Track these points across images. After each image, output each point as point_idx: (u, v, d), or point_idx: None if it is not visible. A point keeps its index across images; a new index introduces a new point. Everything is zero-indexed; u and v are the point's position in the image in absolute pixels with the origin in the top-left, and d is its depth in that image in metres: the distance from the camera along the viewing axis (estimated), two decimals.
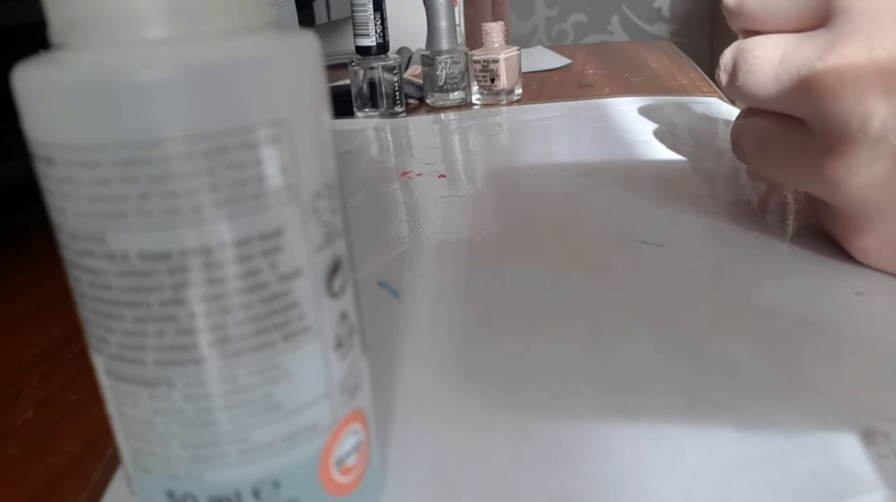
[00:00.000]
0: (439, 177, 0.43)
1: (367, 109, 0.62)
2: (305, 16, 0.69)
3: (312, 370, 0.14)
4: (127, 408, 0.14)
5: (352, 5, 0.59)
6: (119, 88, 0.11)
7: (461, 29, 0.75)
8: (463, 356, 0.23)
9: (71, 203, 0.12)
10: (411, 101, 0.68)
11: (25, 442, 0.21)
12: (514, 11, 1.49)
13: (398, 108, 0.63)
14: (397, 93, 0.62)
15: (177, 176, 0.12)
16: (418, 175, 0.44)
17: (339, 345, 0.15)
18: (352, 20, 0.59)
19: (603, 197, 0.37)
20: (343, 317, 0.15)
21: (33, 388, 0.24)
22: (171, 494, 0.15)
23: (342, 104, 0.63)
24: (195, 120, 0.12)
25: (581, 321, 0.25)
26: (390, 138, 0.55)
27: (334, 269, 0.14)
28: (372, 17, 0.59)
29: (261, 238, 0.13)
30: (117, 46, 0.12)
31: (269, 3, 0.14)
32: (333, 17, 0.76)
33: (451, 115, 0.62)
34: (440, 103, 0.66)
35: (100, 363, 0.14)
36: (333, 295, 0.14)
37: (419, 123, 0.59)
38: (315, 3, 0.70)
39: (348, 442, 0.16)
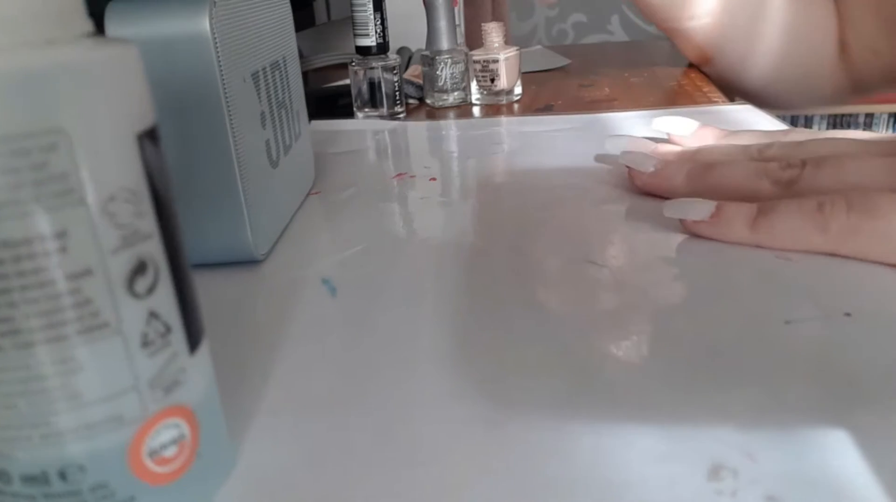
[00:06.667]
0: (430, 180, 0.43)
1: (367, 109, 0.63)
2: (305, 15, 0.70)
3: (113, 365, 0.15)
4: None
5: (352, 5, 0.60)
6: None
7: (461, 29, 0.75)
8: (363, 357, 0.24)
9: None
10: (411, 101, 0.68)
11: None
12: (514, 11, 1.48)
13: (398, 109, 0.63)
14: (397, 93, 0.63)
15: None
16: (412, 177, 0.44)
17: (146, 343, 0.16)
18: (352, 20, 0.60)
19: (572, 212, 0.36)
20: (152, 316, 0.16)
21: None
22: None
23: (342, 104, 0.64)
24: None
25: (488, 331, 0.25)
26: (388, 141, 0.56)
27: (137, 271, 0.15)
28: (372, 17, 0.60)
29: (42, 238, 0.14)
30: None
31: (81, 15, 0.15)
32: (333, 17, 0.77)
33: (451, 122, 0.62)
34: (440, 103, 0.66)
35: None
36: (136, 295, 0.15)
37: (418, 128, 0.60)
38: (315, 3, 0.71)
39: (165, 435, 0.16)
